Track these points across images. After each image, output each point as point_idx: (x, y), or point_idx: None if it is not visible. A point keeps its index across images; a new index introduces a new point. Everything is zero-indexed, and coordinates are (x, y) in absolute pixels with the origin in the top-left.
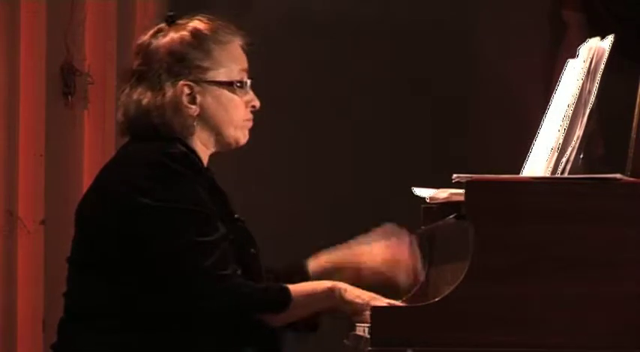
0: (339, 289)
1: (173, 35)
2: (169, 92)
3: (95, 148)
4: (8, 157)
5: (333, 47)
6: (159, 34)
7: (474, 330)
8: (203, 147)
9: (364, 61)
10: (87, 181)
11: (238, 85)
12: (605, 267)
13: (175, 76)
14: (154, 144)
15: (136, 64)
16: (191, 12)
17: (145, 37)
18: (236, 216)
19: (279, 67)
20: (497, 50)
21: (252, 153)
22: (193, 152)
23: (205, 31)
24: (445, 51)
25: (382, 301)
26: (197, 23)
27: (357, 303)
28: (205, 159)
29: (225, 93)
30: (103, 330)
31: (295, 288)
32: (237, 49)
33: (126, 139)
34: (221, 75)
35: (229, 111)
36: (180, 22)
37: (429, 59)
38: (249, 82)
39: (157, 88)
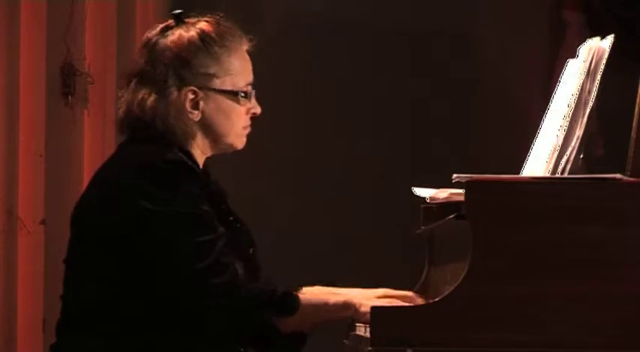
0: (354, 305)
1: (182, 34)
2: (173, 96)
3: (95, 148)
4: (8, 157)
5: (332, 48)
6: (167, 32)
7: (474, 330)
8: (200, 151)
9: (364, 60)
10: (87, 181)
11: (242, 95)
12: (605, 267)
13: (181, 81)
14: (151, 148)
15: (141, 61)
16: (191, 12)
17: (152, 34)
18: (231, 218)
19: (279, 66)
20: (498, 50)
21: (253, 153)
22: (190, 156)
23: (213, 35)
24: (445, 51)
25: (397, 296)
26: (205, 25)
27: None
28: (202, 163)
29: (228, 101)
30: (100, 333)
31: (305, 297)
32: (243, 55)
33: (124, 137)
34: (226, 83)
35: (230, 119)
36: (188, 21)
37: (429, 59)
38: (253, 92)
39: (162, 91)
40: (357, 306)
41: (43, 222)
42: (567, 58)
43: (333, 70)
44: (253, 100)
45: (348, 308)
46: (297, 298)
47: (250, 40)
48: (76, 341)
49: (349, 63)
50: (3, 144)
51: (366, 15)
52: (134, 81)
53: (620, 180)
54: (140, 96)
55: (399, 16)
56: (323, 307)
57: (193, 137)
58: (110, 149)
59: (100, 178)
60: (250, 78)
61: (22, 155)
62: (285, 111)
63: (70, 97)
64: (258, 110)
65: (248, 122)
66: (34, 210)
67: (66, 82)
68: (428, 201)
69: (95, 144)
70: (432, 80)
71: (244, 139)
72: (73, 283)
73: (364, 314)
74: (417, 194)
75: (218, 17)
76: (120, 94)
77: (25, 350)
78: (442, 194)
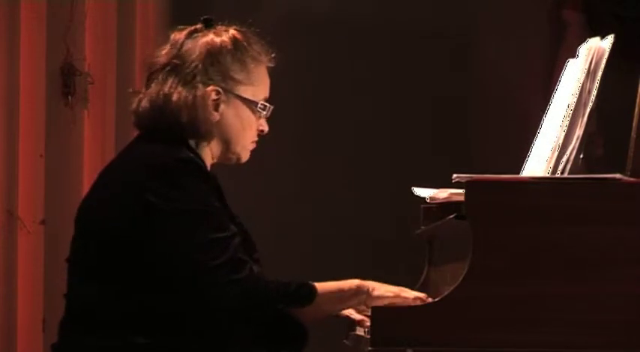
0: (367, 288)
1: (213, 37)
2: (199, 92)
3: (95, 148)
4: (8, 157)
5: (333, 48)
6: (195, 34)
7: (474, 330)
8: (210, 155)
9: (364, 61)
10: (87, 181)
11: (261, 107)
12: (605, 267)
13: (208, 78)
14: (161, 147)
15: (163, 59)
16: (192, 12)
17: (180, 35)
18: (236, 221)
19: (279, 66)
20: (497, 50)
21: (253, 153)
22: (200, 158)
23: (245, 43)
24: (445, 51)
25: (411, 293)
26: (236, 33)
27: (387, 298)
28: (209, 166)
29: (246, 110)
30: (104, 333)
31: (320, 285)
32: (265, 70)
33: (129, 132)
34: (248, 92)
35: (244, 128)
36: (218, 27)
37: (429, 59)
38: (271, 108)
39: (189, 84)
40: (370, 290)
41: (43, 222)
42: (567, 58)
43: (333, 70)
44: (264, 118)
45: (361, 293)
46: (313, 288)
47: (272, 58)
48: (78, 341)
49: (349, 63)
50: (3, 144)
51: (366, 15)
52: (161, 74)
53: (620, 180)
54: (167, 87)
55: (399, 16)
56: (338, 294)
57: (211, 138)
58: (110, 149)
59: (107, 179)
60: (267, 94)
61: (22, 155)
62: (284, 111)
63: (70, 97)
64: (266, 128)
65: (256, 138)
66: (34, 210)
67: (66, 82)
68: (428, 201)
69: (95, 144)
70: (432, 80)
71: (249, 153)
72: (76, 282)
73: (376, 297)
74: (417, 194)
75: (246, 29)
76: (130, 91)
77: (25, 350)
78: (442, 194)
